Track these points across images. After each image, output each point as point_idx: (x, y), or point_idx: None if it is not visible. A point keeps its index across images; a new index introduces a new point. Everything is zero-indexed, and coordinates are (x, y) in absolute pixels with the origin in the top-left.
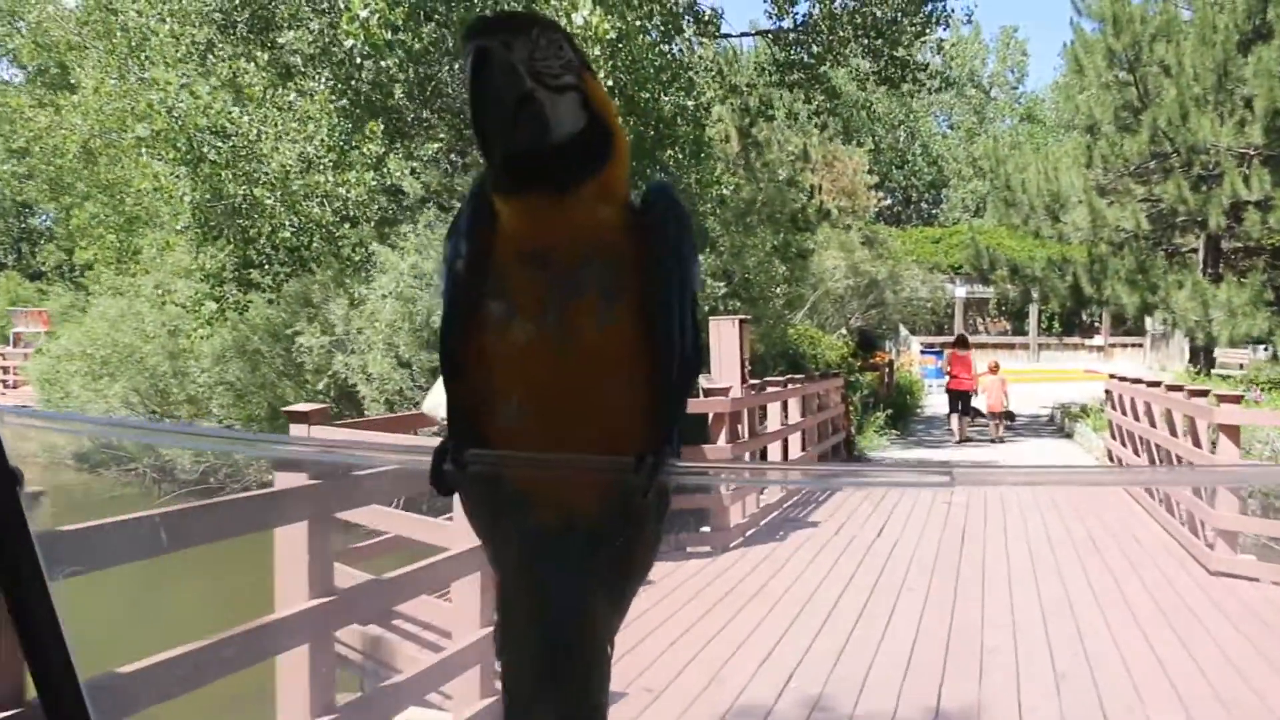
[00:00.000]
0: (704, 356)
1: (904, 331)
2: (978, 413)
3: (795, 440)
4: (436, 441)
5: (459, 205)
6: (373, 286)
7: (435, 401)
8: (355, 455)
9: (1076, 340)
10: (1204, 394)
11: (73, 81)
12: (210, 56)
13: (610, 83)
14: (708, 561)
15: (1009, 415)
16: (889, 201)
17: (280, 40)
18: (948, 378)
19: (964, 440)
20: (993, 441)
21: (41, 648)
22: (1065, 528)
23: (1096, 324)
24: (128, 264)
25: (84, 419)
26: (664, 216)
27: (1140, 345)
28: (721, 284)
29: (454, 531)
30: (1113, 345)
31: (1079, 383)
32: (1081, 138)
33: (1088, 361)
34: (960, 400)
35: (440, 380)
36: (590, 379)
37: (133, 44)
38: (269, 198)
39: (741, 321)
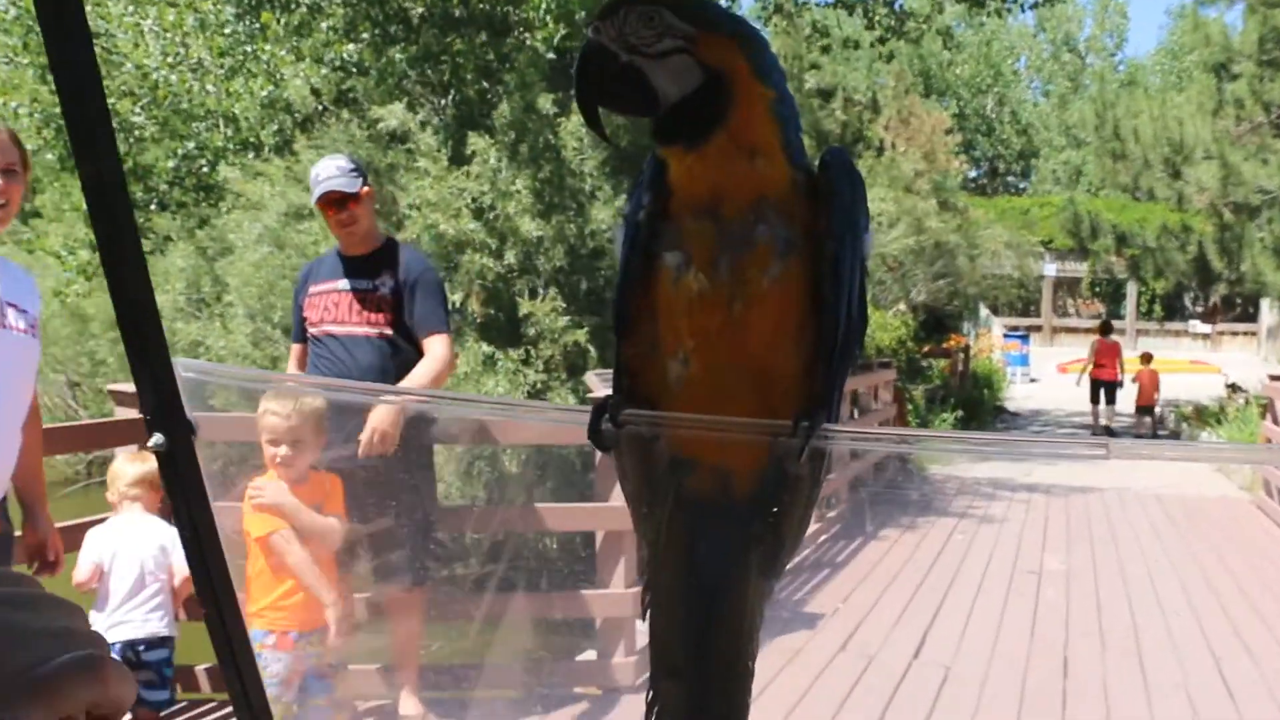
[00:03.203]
0: (867, 323)
1: (984, 311)
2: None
3: None
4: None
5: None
6: (226, 226)
7: None
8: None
9: (1179, 326)
10: None
11: None
12: None
13: None
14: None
15: None
16: (974, 173)
17: None
18: (1091, 366)
19: (1105, 432)
20: (1138, 438)
21: (219, 610)
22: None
23: (1200, 307)
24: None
25: (278, 376)
26: (837, 177)
27: (1254, 334)
28: None
29: None
30: (1220, 333)
31: (1185, 374)
32: (1207, 78)
33: (1193, 350)
34: (1106, 390)
35: None
36: (751, 336)
37: None
38: (135, 113)
39: None
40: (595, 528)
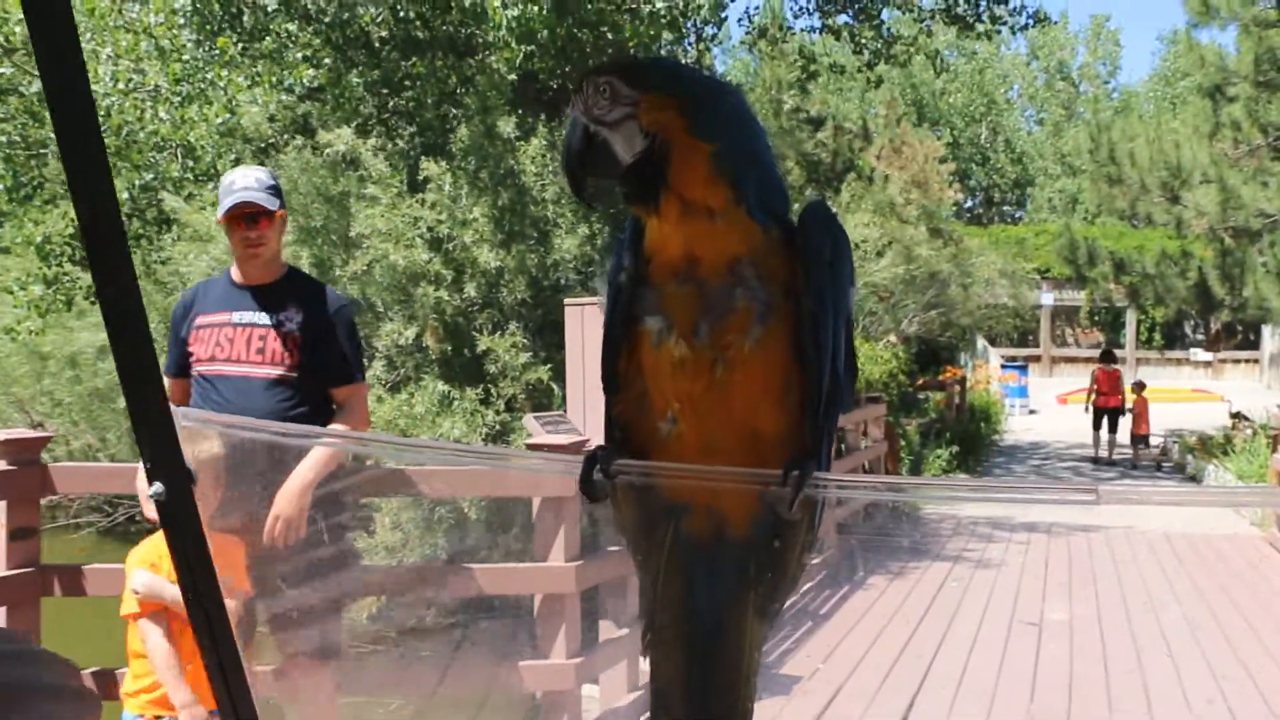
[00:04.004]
0: (857, 375)
1: (981, 342)
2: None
3: None
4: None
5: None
6: (173, 260)
7: None
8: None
9: (1180, 354)
10: None
11: None
12: None
13: None
14: None
15: None
16: (970, 203)
17: None
18: (1095, 395)
19: (1107, 462)
20: (1134, 467)
21: (217, 650)
22: None
23: (1202, 335)
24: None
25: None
26: (816, 233)
27: (1256, 361)
28: None
29: None
30: (1222, 361)
31: (1187, 404)
32: (1203, 102)
33: (1194, 379)
34: (1109, 418)
35: None
36: (736, 398)
37: None
38: None
39: None
40: (533, 590)
